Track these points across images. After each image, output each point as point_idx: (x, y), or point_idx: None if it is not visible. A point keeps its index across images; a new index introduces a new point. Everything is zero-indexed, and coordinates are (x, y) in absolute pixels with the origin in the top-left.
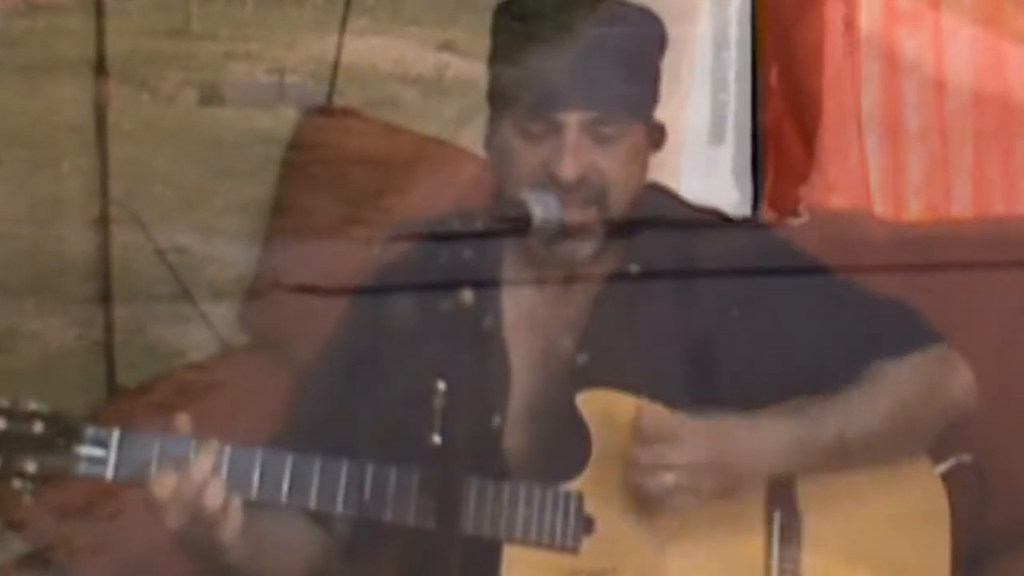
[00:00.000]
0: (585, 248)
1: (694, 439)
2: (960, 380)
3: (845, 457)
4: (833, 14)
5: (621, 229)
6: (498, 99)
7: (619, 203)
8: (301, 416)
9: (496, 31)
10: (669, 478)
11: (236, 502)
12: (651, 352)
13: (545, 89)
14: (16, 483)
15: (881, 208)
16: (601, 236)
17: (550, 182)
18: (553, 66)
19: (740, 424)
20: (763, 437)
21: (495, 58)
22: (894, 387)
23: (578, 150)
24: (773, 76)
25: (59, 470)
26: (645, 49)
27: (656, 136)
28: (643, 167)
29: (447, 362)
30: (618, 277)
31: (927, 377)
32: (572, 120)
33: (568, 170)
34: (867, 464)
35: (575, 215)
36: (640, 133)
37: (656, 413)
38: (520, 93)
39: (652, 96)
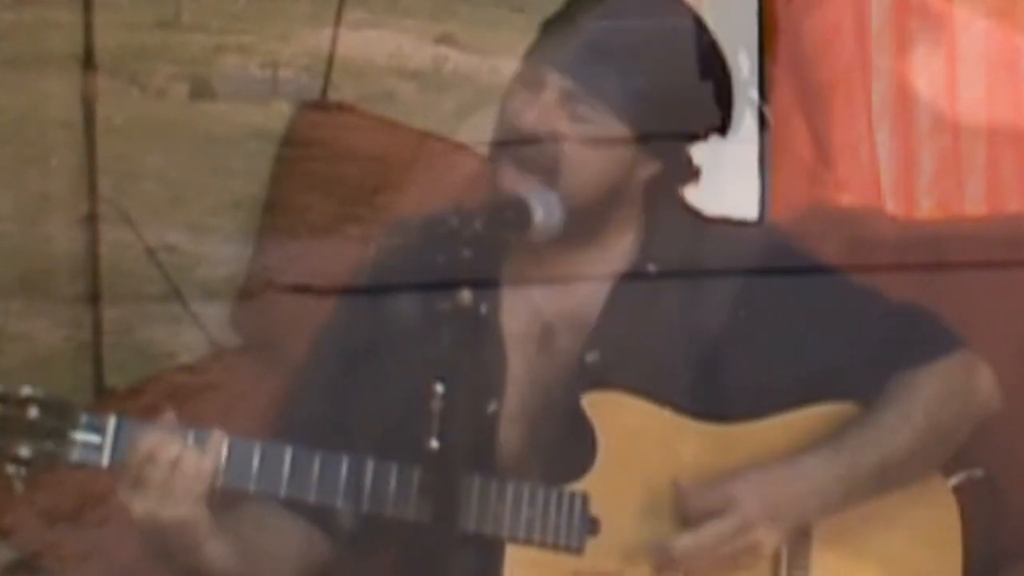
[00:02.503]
0: (537, 215)
1: (742, 502)
2: (984, 383)
3: (885, 483)
4: (843, 6)
5: (589, 220)
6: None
7: (573, 188)
8: (294, 418)
9: None
10: (727, 549)
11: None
12: (662, 353)
13: (550, 46)
14: (10, 468)
15: (892, 206)
16: (557, 214)
17: (510, 130)
18: (578, 34)
19: (781, 471)
20: (806, 478)
21: (554, 20)
22: (925, 401)
23: (547, 110)
24: (781, 70)
25: (54, 456)
26: (684, 70)
27: (681, 172)
28: (613, 168)
29: (445, 364)
30: (629, 276)
31: (954, 386)
32: (554, 82)
33: (527, 118)
34: (904, 483)
35: (516, 173)
36: (620, 135)
37: (691, 488)
38: (537, 50)
39: (656, 109)
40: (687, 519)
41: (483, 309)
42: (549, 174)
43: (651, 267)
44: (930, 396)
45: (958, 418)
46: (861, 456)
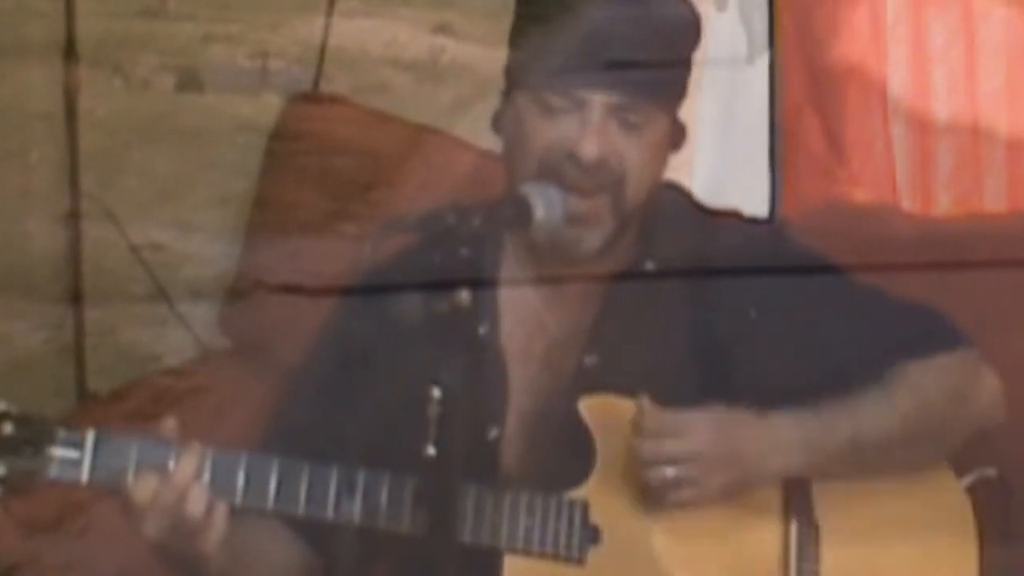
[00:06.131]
0: (592, 239)
1: (697, 431)
2: (988, 388)
3: (858, 460)
4: None
5: (631, 224)
6: (518, 71)
7: (634, 197)
8: (285, 424)
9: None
10: (671, 471)
11: (220, 509)
12: (662, 353)
13: (573, 64)
14: None
15: (908, 202)
16: (611, 229)
17: (566, 161)
18: (584, 41)
19: (747, 419)
20: (771, 433)
21: (519, 26)
22: (916, 389)
23: (602, 131)
24: (792, 61)
25: (30, 473)
26: (679, 41)
27: (676, 135)
28: (662, 163)
29: (443, 367)
30: (631, 275)
31: (952, 380)
32: (598, 100)
33: (590, 149)
34: (884, 468)
35: (584, 202)
36: (664, 127)
37: (657, 408)
38: (545, 65)
39: (680, 90)
40: (637, 431)
41: (482, 331)
42: (614, 193)
43: (649, 264)
44: (922, 385)
45: (953, 416)
46: (832, 427)
